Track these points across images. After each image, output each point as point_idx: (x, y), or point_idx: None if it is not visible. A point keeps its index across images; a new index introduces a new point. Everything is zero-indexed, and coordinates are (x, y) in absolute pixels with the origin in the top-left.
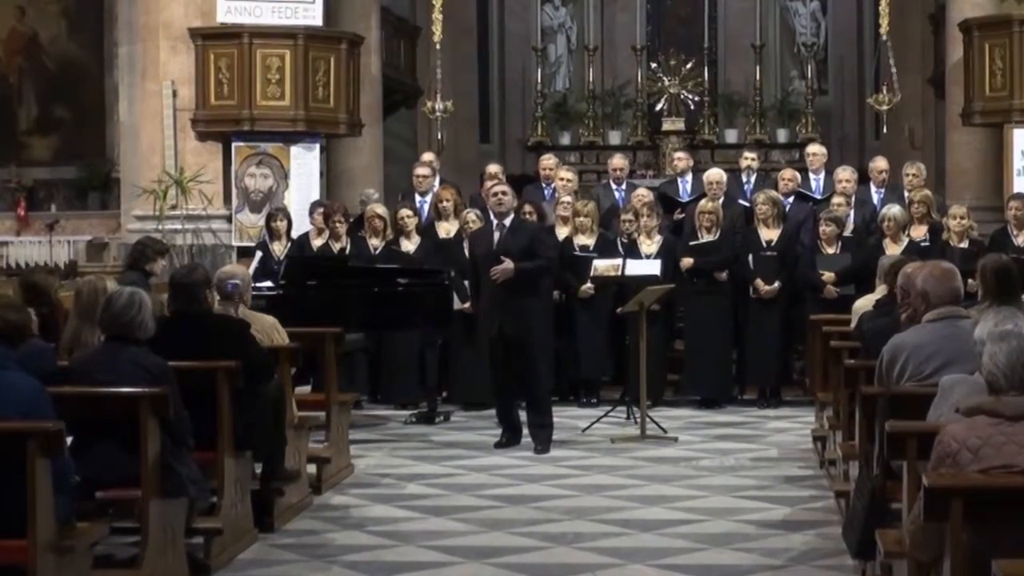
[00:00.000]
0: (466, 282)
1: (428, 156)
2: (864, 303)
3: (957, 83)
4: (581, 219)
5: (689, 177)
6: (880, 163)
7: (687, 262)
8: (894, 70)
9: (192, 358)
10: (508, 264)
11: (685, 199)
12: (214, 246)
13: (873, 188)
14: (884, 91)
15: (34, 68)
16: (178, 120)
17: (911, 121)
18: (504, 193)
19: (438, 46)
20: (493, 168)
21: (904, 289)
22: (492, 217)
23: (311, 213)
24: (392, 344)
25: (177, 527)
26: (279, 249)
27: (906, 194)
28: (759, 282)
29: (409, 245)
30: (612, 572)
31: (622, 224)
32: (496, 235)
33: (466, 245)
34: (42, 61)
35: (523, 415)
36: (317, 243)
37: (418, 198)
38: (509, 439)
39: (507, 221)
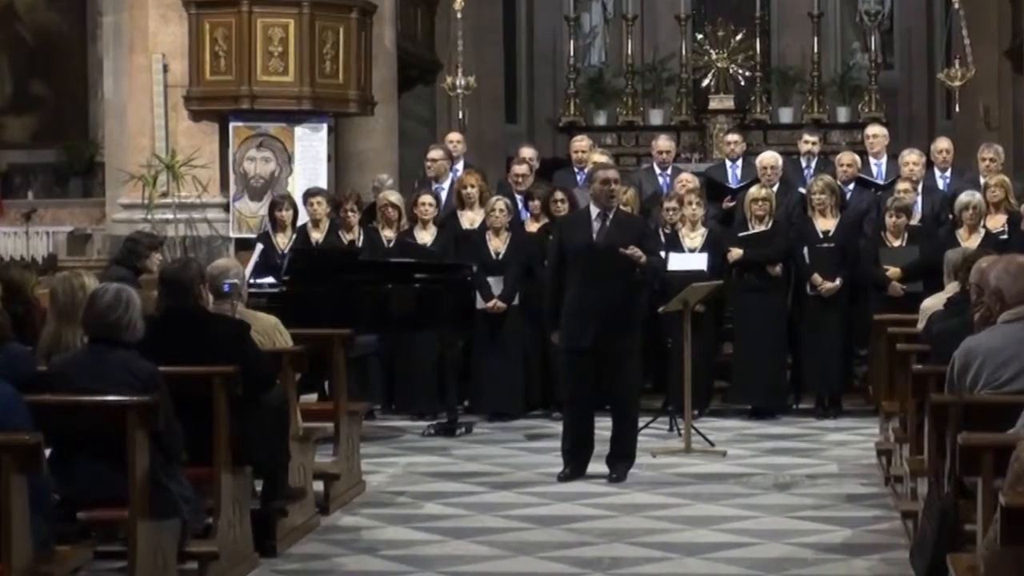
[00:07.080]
0: (490, 279)
1: (455, 136)
2: (933, 302)
3: None
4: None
5: (740, 161)
6: (941, 143)
7: (736, 253)
8: (967, 42)
9: (186, 362)
10: (640, 252)
11: (735, 185)
12: (210, 238)
13: (937, 172)
14: (956, 65)
15: (9, 40)
16: (169, 98)
17: (986, 99)
18: (616, 182)
19: (459, 15)
20: (527, 152)
21: (977, 286)
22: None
23: (305, 202)
24: (408, 348)
25: (168, 551)
26: (283, 241)
27: (981, 180)
28: (817, 278)
29: (425, 236)
30: None
31: (664, 213)
32: (597, 225)
33: (489, 236)
34: (18, 32)
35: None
36: (315, 236)
37: (432, 185)
38: (574, 470)
39: (610, 211)
